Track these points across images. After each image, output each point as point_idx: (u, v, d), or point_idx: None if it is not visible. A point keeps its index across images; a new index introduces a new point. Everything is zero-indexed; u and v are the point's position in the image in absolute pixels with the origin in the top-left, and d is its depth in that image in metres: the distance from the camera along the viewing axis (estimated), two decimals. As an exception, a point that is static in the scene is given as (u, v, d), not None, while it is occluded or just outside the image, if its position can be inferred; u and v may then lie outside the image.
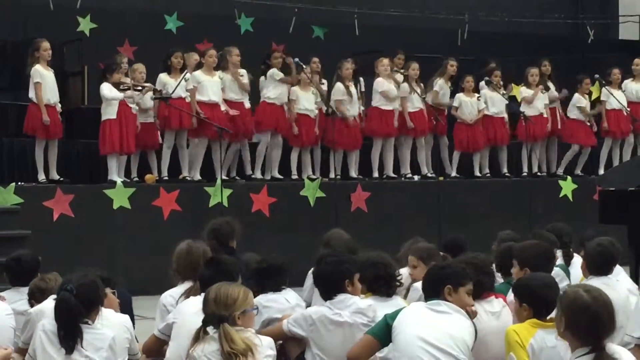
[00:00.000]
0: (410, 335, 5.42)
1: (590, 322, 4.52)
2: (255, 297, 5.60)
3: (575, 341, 4.55)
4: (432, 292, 5.66)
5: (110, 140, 12.57)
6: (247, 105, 13.66)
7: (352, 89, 14.18)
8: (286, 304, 6.46)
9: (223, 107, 13.29)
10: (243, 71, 13.59)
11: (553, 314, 5.44)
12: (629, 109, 15.65)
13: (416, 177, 14.83)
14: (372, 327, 5.73)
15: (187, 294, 6.27)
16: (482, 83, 15.30)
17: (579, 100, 15.73)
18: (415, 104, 14.62)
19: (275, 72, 13.73)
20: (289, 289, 6.62)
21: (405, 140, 14.85)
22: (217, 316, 5.10)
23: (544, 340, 5.34)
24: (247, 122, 13.60)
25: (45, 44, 12.43)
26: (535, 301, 5.52)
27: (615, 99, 15.50)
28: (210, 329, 5.11)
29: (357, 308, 5.93)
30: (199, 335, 5.13)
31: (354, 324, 5.89)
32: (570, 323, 4.57)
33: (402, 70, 14.70)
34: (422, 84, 14.97)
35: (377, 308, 5.99)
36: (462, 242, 8.06)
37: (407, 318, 5.51)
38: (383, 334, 5.56)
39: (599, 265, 6.78)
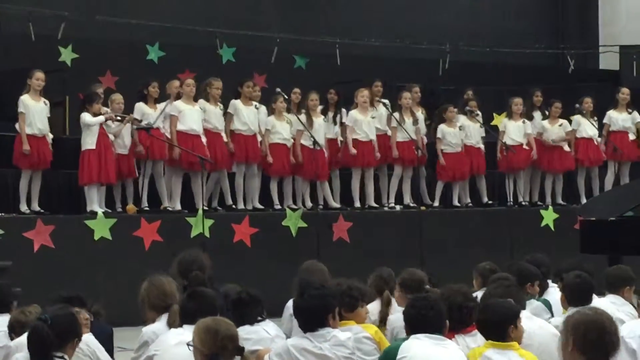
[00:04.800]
0: None
1: (598, 335, 4.46)
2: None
3: (582, 358, 4.49)
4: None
5: (89, 170, 12.54)
6: (224, 136, 13.66)
7: (317, 119, 14.17)
8: (266, 336, 6.44)
9: (204, 138, 13.30)
10: (221, 105, 13.62)
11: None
12: (599, 139, 15.71)
13: (398, 207, 14.84)
14: None
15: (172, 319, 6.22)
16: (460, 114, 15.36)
17: (543, 126, 15.75)
18: (405, 133, 14.60)
19: (236, 103, 13.74)
20: (268, 320, 6.60)
21: (385, 170, 14.89)
22: (237, 347, 5.11)
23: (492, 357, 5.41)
24: (225, 153, 13.59)
25: (38, 74, 12.48)
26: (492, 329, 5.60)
27: (593, 124, 15.56)
28: None
29: (338, 341, 5.92)
30: None
31: (334, 358, 5.88)
32: (579, 341, 4.48)
33: (383, 101, 14.73)
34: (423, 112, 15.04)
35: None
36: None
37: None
38: None
39: (578, 296, 6.81)
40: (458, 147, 15.10)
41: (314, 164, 13.85)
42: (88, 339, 5.73)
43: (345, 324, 6.38)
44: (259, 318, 6.53)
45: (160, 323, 6.40)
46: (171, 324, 6.17)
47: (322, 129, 14.25)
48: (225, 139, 13.61)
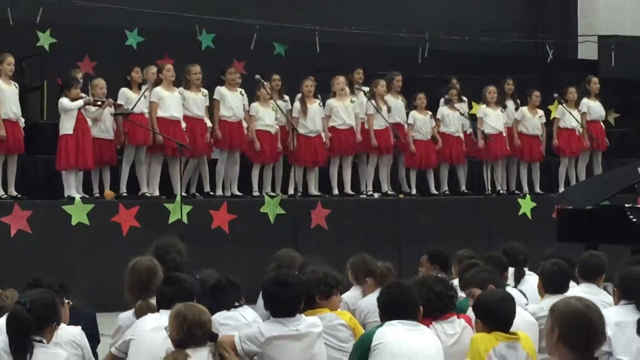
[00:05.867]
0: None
1: (584, 329, 4.44)
2: (212, 314, 5.60)
3: (567, 352, 4.47)
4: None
5: (67, 155, 12.50)
6: (207, 122, 13.65)
7: (312, 106, 14.21)
8: (243, 321, 6.45)
9: (184, 124, 13.28)
10: (205, 91, 13.60)
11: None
12: (580, 130, 15.80)
13: (376, 195, 14.87)
14: None
15: (140, 311, 6.21)
16: (442, 101, 15.43)
17: (524, 115, 15.82)
18: (382, 121, 14.62)
19: (221, 90, 13.73)
20: (245, 306, 6.61)
21: (365, 157, 14.92)
22: (208, 334, 5.12)
23: (504, 353, 5.42)
24: (204, 139, 13.56)
25: (9, 59, 12.42)
26: (494, 317, 5.61)
27: (573, 116, 15.64)
28: (190, 350, 5.10)
29: (310, 323, 6.05)
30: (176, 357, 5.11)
31: (310, 334, 5.98)
32: (564, 332, 4.46)
33: (363, 88, 14.74)
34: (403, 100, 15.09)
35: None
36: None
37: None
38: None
39: (554, 284, 6.87)
40: (428, 134, 15.14)
41: (310, 150, 13.98)
42: (79, 333, 5.72)
43: (319, 312, 6.41)
44: (237, 304, 6.54)
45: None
46: (138, 316, 6.17)
47: (318, 115, 14.26)
48: (209, 125, 13.60)
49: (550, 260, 7.09)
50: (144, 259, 6.55)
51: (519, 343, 5.64)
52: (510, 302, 5.78)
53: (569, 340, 4.43)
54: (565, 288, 6.87)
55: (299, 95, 14.30)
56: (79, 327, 5.80)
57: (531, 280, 7.76)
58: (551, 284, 6.88)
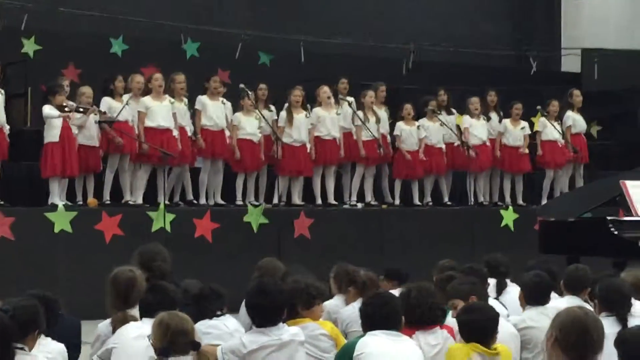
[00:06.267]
0: None
1: (579, 334, 4.50)
2: (195, 322, 5.61)
3: (561, 356, 4.53)
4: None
5: (52, 163, 12.49)
6: (189, 132, 13.65)
7: (298, 115, 14.24)
8: (225, 330, 6.46)
9: (175, 132, 13.29)
10: (185, 100, 13.62)
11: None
12: (562, 141, 15.88)
13: (359, 205, 14.89)
14: None
15: (116, 322, 6.20)
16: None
17: (505, 127, 15.88)
18: (368, 132, 14.65)
19: (203, 99, 13.75)
20: (228, 315, 6.62)
21: (349, 168, 14.95)
22: (191, 342, 5.13)
23: None
24: (188, 147, 13.58)
25: None
26: (474, 329, 5.65)
27: (555, 128, 15.71)
28: (172, 359, 5.10)
29: (291, 333, 6.05)
30: None
31: (292, 343, 5.99)
32: (561, 336, 4.52)
33: (347, 99, 14.77)
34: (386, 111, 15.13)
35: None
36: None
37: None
38: None
39: (535, 296, 6.90)
40: (414, 145, 15.18)
41: (294, 160, 14.01)
42: (64, 350, 5.70)
43: (301, 322, 6.43)
44: (219, 312, 6.55)
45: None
46: (114, 328, 6.16)
47: (303, 125, 14.28)
48: (189, 134, 13.61)
49: (532, 272, 7.14)
50: (125, 270, 6.49)
51: (497, 357, 5.66)
52: (488, 314, 5.79)
53: (564, 344, 4.50)
54: (546, 299, 6.91)
55: (286, 105, 14.30)
56: (63, 345, 5.77)
57: (513, 291, 7.80)
58: (532, 296, 6.92)
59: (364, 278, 7.70)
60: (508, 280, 8.25)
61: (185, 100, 13.61)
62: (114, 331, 6.09)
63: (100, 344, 6.22)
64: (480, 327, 5.71)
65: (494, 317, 5.79)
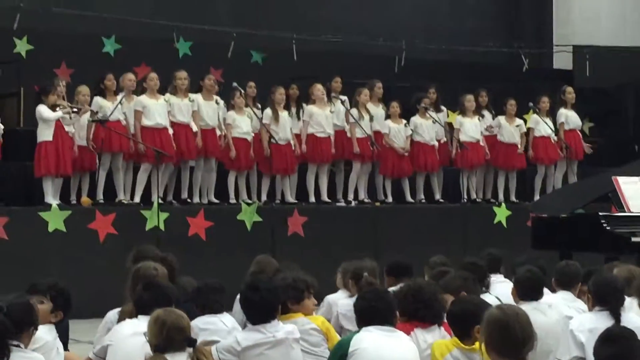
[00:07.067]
0: None
1: (501, 333, 4.61)
2: (191, 319, 5.63)
3: (495, 356, 4.64)
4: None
5: (46, 162, 12.49)
6: (194, 128, 13.68)
7: (283, 114, 14.23)
8: (223, 327, 6.48)
9: (171, 130, 13.30)
10: (192, 97, 13.64)
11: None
12: (555, 137, 15.92)
13: (353, 203, 14.91)
14: None
15: (124, 313, 6.26)
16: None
17: (500, 123, 15.90)
18: (362, 130, 14.66)
19: (196, 98, 13.76)
20: (225, 313, 6.65)
21: (342, 165, 14.97)
22: (187, 339, 5.14)
23: (460, 358, 5.49)
24: (192, 145, 13.60)
25: None
26: (458, 324, 5.70)
27: (547, 124, 15.75)
28: (168, 355, 5.12)
29: (286, 330, 6.07)
30: None
31: (287, 340, 6.01)
32: (487, 337, 4.66)
33: (341, 97, 14.78)
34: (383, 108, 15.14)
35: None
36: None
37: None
38: None
39: (527, 291, 6.94)
40: (402, 142, 15.18)
41: (281, 158, 14.00)
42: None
43: (292, 317, 6.45)
44: (219, 310, 6.60)
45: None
46: (120, 318, 6.21)
47: (288, 123, 14.29)
48: (194, 130, 13.63)
49: (524, 267, 7.18)
50: (150, 266, 6.64)
51: (476, 354, 5.67)
52: (473, 309, 5.74)
53: (492, 345, 4.64)
54: (539, 295, 6.95)
55: (270, 104, 14.29)
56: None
57: (501, 287, 7.85)
58: (525, 291, 6.95)
59: (364, 282, 7.64)
60: (501, 276, 8.30)
61: (191, 96, 13.63)
62: (119, 321, 6.13)
63: (105, 331, 6.32)
64: (460, 322, 5.74)
65: (476, 311, 5.75)
